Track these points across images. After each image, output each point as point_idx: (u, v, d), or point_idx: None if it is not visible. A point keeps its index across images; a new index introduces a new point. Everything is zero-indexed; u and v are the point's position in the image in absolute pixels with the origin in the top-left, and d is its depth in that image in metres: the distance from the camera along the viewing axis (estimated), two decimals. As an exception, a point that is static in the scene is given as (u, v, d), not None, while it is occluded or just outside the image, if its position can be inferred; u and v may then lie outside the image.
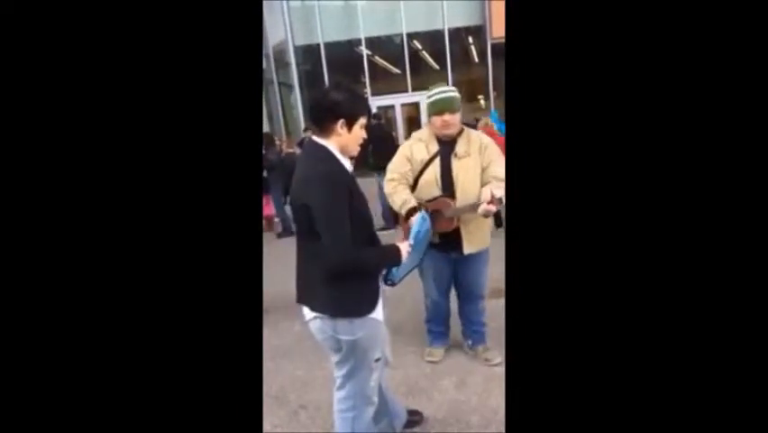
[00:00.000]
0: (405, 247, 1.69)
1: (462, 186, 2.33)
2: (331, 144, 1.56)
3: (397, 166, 2.45)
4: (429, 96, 2.38)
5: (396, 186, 2.40)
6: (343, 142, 1.57)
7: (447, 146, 2.38)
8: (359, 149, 1.63)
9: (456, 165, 2.35)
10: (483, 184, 2.32)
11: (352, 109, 1.55)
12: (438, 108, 2.33)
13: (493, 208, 2.13)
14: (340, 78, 10.46)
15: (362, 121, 1.58)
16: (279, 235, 6.28)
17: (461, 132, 2.41)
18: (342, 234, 1.47)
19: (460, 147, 2.36)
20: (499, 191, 2.15)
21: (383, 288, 1.74)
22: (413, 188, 2.42)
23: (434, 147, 2.40)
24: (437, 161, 2.37)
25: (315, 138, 1.59)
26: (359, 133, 1.59)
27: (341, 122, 1.53)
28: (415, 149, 2.43)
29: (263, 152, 5.65)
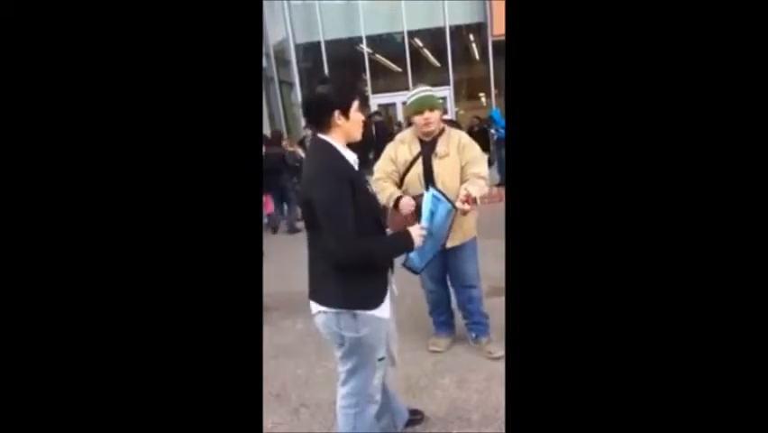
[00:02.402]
0: (417, 231, 1.67)
1: (443, 184, 2.42)
2: (333, 138, 1.58)
3: (383, 166, 2.58)
4: (408, 99, 2.52)
5: (382, 184, 2.51)
6: (345, 131, 1.58)
7: (428, 146, 2.50)
8: (361, 133, 1.63)
9: (437, 164, 2.46)
10: (463, 181, 2.41)
11: (342, 97, 1.56)
12: (417, 107, 2.44)
13: (467, 207, 2.17)
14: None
15: (356, 104, 1.59)
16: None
17: (441, 132, 2.52)
18: (343, 229, 1.48)
19: (440, 147, 2.48)
20: (476, 189, 2.26)
21: (392, 287, 1.73)
22: (398, 187, 2.54)
23: (417, 148, 2.52)
24: (419, 162, 2.49)
25: (318, 135, 1.60)
26: (357, 117, 1.60)
27: (336, 113, 1.54)
28: (399, 150, 2.56)
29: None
